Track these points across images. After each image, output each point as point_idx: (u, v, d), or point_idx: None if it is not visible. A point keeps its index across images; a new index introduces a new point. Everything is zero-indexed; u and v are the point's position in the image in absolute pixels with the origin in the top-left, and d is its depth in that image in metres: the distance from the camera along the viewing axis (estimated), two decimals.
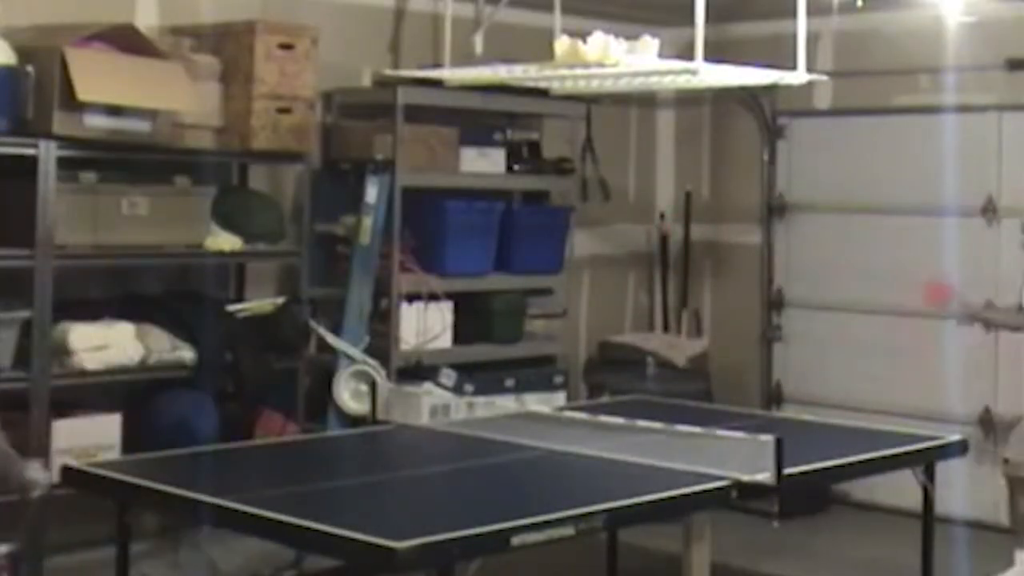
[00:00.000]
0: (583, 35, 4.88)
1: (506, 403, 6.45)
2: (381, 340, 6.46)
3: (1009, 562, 6.36)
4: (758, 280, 8.16)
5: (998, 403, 7.12)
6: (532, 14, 6.81)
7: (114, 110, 5.43)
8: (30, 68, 5.29)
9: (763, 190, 8.15)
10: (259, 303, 6.20)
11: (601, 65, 4.85)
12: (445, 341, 6.71)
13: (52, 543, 5.42)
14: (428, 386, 6.49)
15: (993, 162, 7.21)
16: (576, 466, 4.77)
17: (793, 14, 4.93)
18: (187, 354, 5.79)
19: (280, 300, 6.24)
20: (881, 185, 7.57)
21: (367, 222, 6.37)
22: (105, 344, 5.55)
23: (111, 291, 5.99)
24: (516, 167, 7.05)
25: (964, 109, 7.15)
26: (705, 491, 4.40)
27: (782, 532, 6.83)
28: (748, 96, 7.98)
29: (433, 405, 5.92)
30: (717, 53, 4.98)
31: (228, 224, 6.01)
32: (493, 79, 5.54)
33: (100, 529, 5.05)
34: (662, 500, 4.32)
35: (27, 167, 5.30)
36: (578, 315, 7.89)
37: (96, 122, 5.38)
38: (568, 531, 3.97)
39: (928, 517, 5.40)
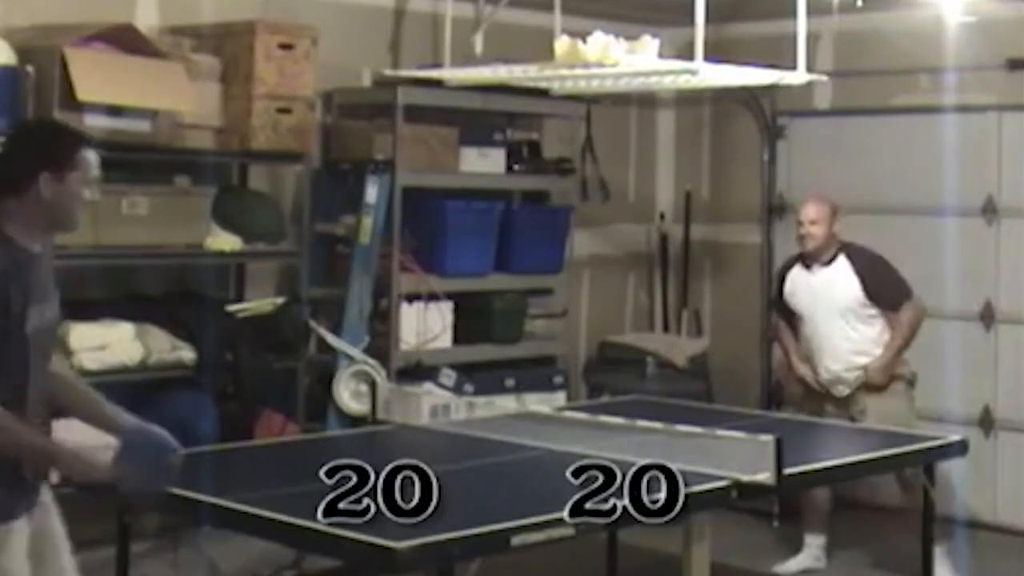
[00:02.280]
0: (583, 35, 4.88)
1: (506, 403, 6.45)
2: (381, 340, 6.46)
3: (1010, 562, 6.38)
4: (758, 280, 8.15)
5: (998, 403, 7.12)
6: (532, 14, 6.81)
7: (114, 110, 5.43)
8: (30, 68, 5.29)
9: (763, 190, 8.14)
10: (259, 303, 6.20)
11: (601, 65, 4.85)
12: (445, 341, 6.71)
13: None
14: (428, 386, 6.49)
15: (993, 162, 7.20)
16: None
17: (793, 14, 4.93)
18: (187, 354, 5.79)
19: (280, 300, 6.24)
20: (881, 185, 7.55)
21: (367, 222, 6.37)
22: (105, 344, 5.55)
23: (111, 291, 5.98)
24: (516, 167, 7.06)
25: (964, 109, 7.13)
26: (705, 491, 4.40)
27: (782, 532, 6.89)
28: (748, 96, 7.97)
29: (433, 405, 5.91)
30: (717, 53, 4.98)
31: (228, 224, 6.01)
32: (493, 79, 5.54)
33: (100, 529, 5.04)
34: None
35: None
36: (578, 315, 7.89)
37: (96, 122, 5.38)
38: (568, 531, 3.96)
39: (928, 517, 5.39)
